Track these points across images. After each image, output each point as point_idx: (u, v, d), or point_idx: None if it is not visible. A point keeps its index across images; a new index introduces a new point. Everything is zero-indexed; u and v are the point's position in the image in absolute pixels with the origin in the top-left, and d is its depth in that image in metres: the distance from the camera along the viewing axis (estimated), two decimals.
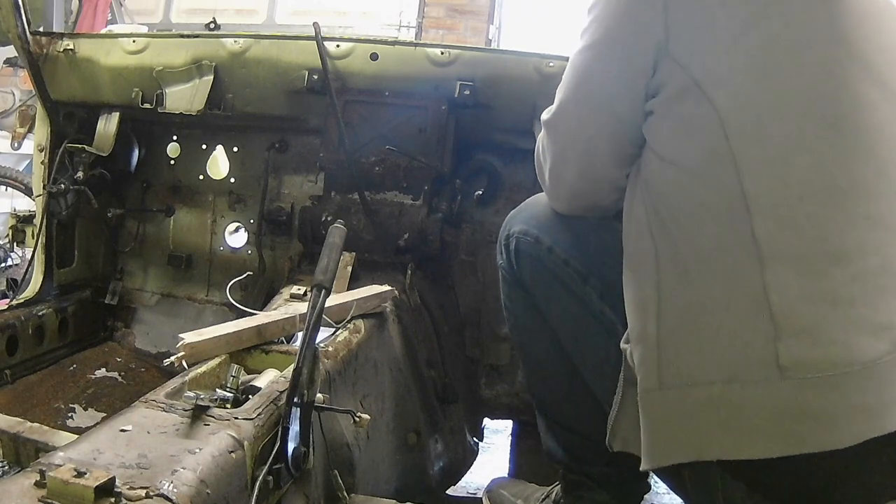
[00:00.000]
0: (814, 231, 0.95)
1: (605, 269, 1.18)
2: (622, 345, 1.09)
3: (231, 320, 1.27)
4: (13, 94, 5.08)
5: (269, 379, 1.10)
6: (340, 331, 1.33)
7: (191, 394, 0.92)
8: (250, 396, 1.00)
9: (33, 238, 2.07)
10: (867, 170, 0.96)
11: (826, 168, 0.95)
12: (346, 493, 1.11)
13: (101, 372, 2.07)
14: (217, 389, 1.02)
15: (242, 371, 1.10)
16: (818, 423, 0.94)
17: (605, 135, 1.09)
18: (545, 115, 1.17)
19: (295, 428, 0.93)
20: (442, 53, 1.86)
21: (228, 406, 0.98)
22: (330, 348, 1.25)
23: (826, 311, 0.94)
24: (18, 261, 3.64)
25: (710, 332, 0.98)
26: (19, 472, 0.76)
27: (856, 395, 0.93)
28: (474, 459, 1.93)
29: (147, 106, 1.98)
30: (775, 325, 0.94)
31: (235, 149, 2.18)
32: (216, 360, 1.13)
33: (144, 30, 2.45)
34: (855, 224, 0.95)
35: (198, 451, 0.82)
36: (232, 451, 0.85)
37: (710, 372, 0.97)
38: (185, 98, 1.96)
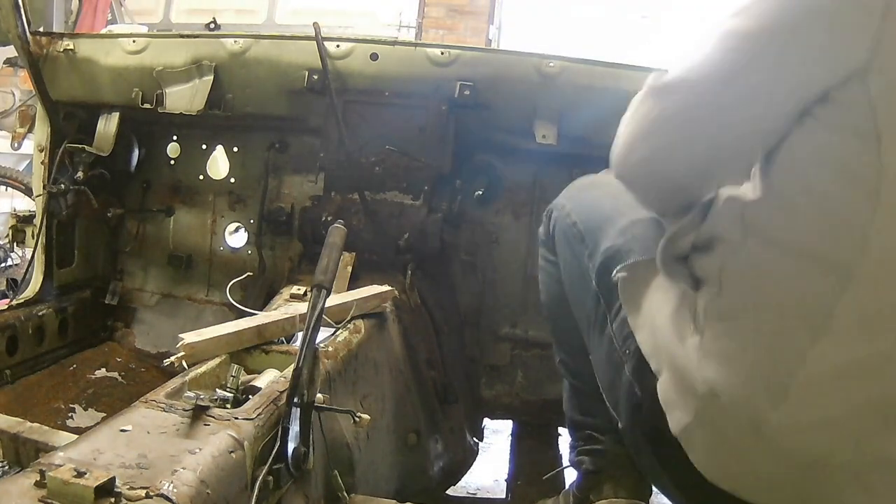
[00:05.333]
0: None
1: (597, 233, 1.25)
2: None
3: (231, 320, 1.27)
4: (13, 94, 5.07)
5: (269, 379, 1.10)
6: (340, 331, 1.33)
7: (191, 394, 0.92)
8: (250, 396, 1.00)
9: (33, 238, 2.07)
10: None
11: None
12: (346, 493, 1.11)
13: (101, 372, 2.07)
14: (217, 389, 1.02)
15: (242, 371, 1.10)
16: (772, 486, 0.96)
17: (734, 144, 0.93)
18: (663, 80, 0.95)
19: (295, 428, 0.93)
20: (442, 53, 1.86)
21: (228, 406, 0.98)
22: (330, 348, 1.25)
23: (850, 410, 0.89)
24: (18, 261, 3.64)
25: (725, 355, 0.95)
26: (19, 472, 0.76)
27: (817, 483, 0.94)
28: (474, 459, 1.93)
29: (147, 106, 1.98)
30: (785, 390, 0.90)
31: (235, 149, 2.18)
32: (216, 360, 1.13)
33: (144, 30, 2.45)
34: None
35: (198, 451, 0.82)
36: (232, 451, 0.85)
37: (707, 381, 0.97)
38: (185, 98, 1.96)
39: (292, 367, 0.94)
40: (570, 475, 1.61)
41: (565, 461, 1.67)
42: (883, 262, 0.85)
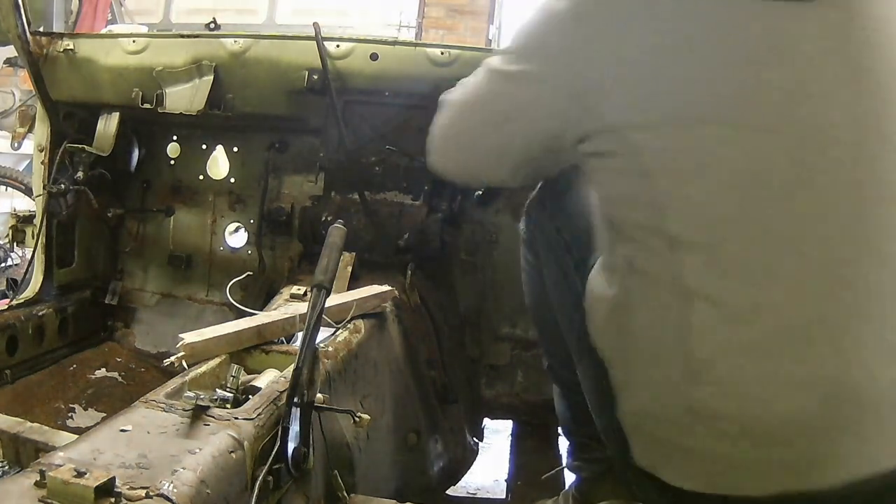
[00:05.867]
0: (741, 276, 0.92)
1: (584, 245, 1.23)
2: None
3: (231, 320, 1.27)
4: (13, 94, 5.08)
5: (269, 379, 1.10)
6: (340, 331, 1.33)
7: (191, 394, 0.91)
8: (250, 396, 1.00)
9: (33, 238, 2.07)
10: (794, 217, 0.92)
11: (753, 213, 0.92)
12: (346, 493, 1.11)
13: (101, 372, 2.07)
14: (217, 389, 1.02)
15: (242, 371, 1.09)
16: (732, 469, 0.95)
17: (508, 153, 1.13)
18: (452, 96, 1.20)
19: (295, 428, 0.93)
20: (442, 53, 1.86)
21: (228, 406, 0.98)
22: (330, 348, 1.25)
23: (747, 363, 0.92)
24: (18, 261, 3.64)
25: (636, 365, 1.01)
26: (19, 472, 0.76)
27: (773, 449, 0.93)
28: (474, 459, 1.93)
29: (147, 106, 1.97)
30: (692, 370, 0.94)
31: (235, 149, 2.18)
32: (216, 360, 1.13)
33: (144, 30, 2.45)
34: (783, 272, 0.92)
35: (198, 451, 0.82)
36: (232, 451, 0.85)
37: (630, 402, 1.03)
38: (185, 98, 1.96)
39: (292, 367, 0.94)
40: (570, 474, 1.61)
41: (565, 461, 1.67)
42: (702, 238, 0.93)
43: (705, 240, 0.93)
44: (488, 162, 1.17)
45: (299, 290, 1.52)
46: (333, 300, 1.35)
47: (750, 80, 0.91)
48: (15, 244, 2.40)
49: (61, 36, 2.03)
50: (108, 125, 2.04)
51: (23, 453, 1.22)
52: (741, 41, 0.91)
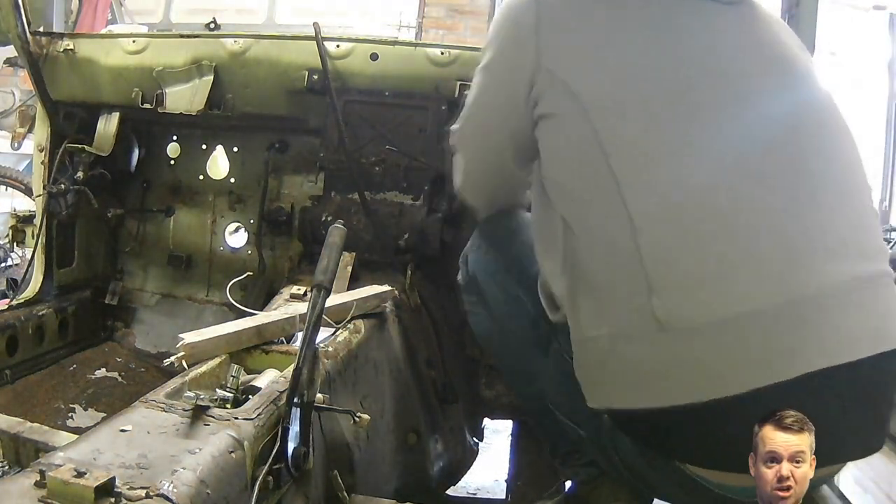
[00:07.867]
0: (678, 187, 1.03)
1: (524, 258, 1.36)
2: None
3: (231, 320, 1.27)
4: (13, 94, 5.07)
5: (269, 379, 1.10)
6: (340, 331, 1.33)
7: (191, 394, 0.92)
8: (250, 396, 1.00)
9: (33, 238, 2.07)
10: (720, 125, 1.07)
11: (676, 131, 1.07)
12: (346, 494, 1.11)
13: (101, 372, 2.07)
14: (217, 389, 1.02)
15: (242, 371, 1.09)
16: (701, 373, 0.99)
17: (504, 136, 1.26)
18: (454, 126, 1.38)
19: (295, 428, 0.93)
20: (442, 53, 1.87)
21: (228, 406, 0.98)
22: (330, 348, 1.25)
23: (698, 261, 1.00)
24: (18, 261, 3.64)
25: (597, 293, 1.08)
26: (19, 472, 0.76)
27: (738, 344, 0.97)
28: (474, 459, 1.93)
29: (147, 106, 1.98)
30: (648, 280, 1.01)
31: (235, 149, 2.18)
32: (216, 360, 1.13)
33: (144, 30, 2.46)
34: (718, 173, 1.03)
35: (198, 451, 0.82)
36: (232, 451, 0.85)
37: (597, 327, 1.08)
38: (185, 98, 1.96)
39: (292, 367, 0.94)
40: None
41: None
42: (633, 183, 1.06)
43: (642, 164, 1.05)
44: (501, 164, 1.31)
45: (299, 290, 1.52)
46: (333, 300, 1.35)
47: (659, 45, 1.13)
48: (15, 244, 2.40)
49: (61, 36, 2.03)
50: (108, 125, 2.04)
51: (23, 453, 1.22)
52: (649, 19, 1.15)
